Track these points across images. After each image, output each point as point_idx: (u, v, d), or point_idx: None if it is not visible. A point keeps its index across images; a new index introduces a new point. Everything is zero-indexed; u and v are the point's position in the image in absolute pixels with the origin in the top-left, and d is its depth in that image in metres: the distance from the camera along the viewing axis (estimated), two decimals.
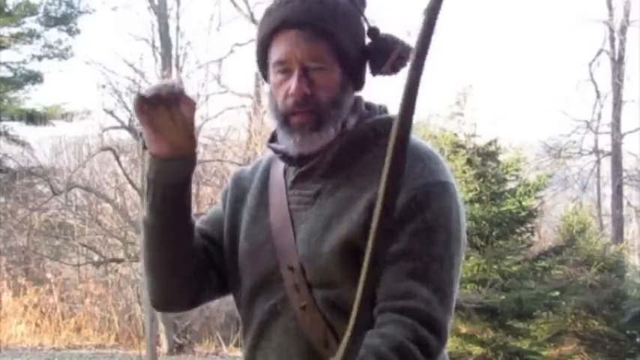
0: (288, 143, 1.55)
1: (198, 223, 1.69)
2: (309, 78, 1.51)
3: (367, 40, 1.57)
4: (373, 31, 1.56)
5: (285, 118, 1.54)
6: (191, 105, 1.51)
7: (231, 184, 1.72)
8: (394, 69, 1.56)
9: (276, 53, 1.53)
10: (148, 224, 1.60)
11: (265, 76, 1.60)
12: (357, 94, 1.61)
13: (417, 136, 1.58)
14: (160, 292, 1.67)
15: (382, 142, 1.53)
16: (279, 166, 1.64)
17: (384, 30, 1.58)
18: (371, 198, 1.48)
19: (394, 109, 1.61)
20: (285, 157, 1.60)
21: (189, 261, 1.62)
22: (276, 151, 1.61)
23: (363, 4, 1.58)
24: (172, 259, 1.61)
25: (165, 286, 1.66)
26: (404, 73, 1.57)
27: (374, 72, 1.58)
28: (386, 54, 1.54)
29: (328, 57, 1.52)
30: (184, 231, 1.60)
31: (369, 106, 1.62)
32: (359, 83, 1.59)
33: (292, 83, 1.51)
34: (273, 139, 1.64)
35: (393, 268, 1.45)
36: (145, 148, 1.54)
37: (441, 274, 1.46)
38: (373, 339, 1.40)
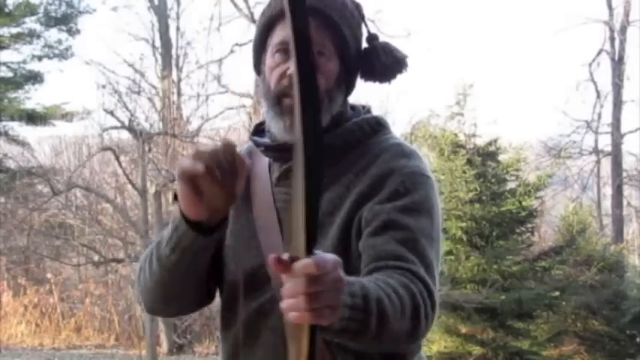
0: (277, 127, 1.53)
1: None
2: None
3: (365, 46, 1.60)
4: (372, 37, 1.60)
5: (277, 99, 1.53)
6: (243, 173, 1.38)
7: None
8: (384, 77, 1.59)
9: (280, 34, 1.53)
10: (166, 268, 1.52)
11: (258, 64, 1.60)
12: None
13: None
14: (159, 309, 1.66)
15: (370, 142, 1.57)
16: (263, 159, 1.62)
17: (383, 38, 1.62)
18: (359, 192, 1.49)
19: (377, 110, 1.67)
20: (267, 150, 1.58)
21: (198, 289, 1.58)
22: (257, 144, 1.60)
23: (363, 13, 1.60)
24: (185, 292, 1.57)
25: (166, 307, 1.64)
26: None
27: (366, 76, 1.60)
28: (379, 61, 1.57)
29: (330, 46, 1.53)
30: (202, 271, 1.55)
31: (353, 107, 1.64)
32: (350, 86, 1.60)
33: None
34: (255, 132, 1.64)
35: (382, 236, 1.44)
36: (175, 199, 1.42)
37: (428, 249, 1.45)
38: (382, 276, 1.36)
